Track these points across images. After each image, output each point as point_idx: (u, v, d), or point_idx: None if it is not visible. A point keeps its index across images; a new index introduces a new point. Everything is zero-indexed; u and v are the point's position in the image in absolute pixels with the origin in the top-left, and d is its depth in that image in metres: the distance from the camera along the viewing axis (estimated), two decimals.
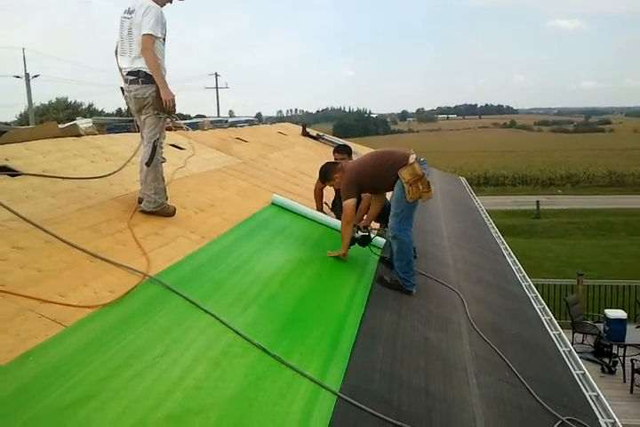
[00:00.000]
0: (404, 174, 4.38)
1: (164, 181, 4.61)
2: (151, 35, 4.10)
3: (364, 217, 5.18)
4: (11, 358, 2.30)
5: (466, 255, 6.89)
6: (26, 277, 2.95)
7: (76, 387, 2.25)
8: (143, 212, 4.42)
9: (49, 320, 2.65)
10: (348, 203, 4.62)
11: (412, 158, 4.44)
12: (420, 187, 4.37)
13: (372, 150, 5.15)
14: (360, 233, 4.88)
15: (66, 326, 2.66)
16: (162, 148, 4.65)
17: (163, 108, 4.29)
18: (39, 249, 3.31)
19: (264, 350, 2.94)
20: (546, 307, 5.79)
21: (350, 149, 6.18)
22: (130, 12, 4.20)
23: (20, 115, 41.72)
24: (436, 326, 4.02)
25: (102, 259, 3.45)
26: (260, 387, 2.64)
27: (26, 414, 2.02)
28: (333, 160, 6.02)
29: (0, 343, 2.37)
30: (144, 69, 4.18)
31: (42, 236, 3.47)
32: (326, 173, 5.06)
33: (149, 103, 4.28)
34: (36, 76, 34.99)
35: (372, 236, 4.97)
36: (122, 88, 4.40)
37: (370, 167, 4.68)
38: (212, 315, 3.19)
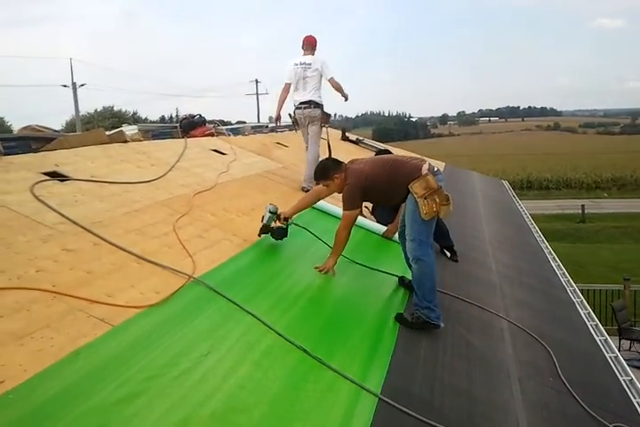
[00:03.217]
0: (417, 188, 3.75)
1: None
2: (334, 77, 6.71)
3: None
4: (62, 355, 2.39)
5: (509, 259, 6.79)
6: (75, 278, 3.05)
7: (123, 385, 2.32)
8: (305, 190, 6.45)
9: (97, 320, 2.73)
10: (352, 214, 4.00)
11: (425, 169, 3.83)
12: (437, 199, 3.74)
13: (382, 156, 4.52)
14: (278, 224, 4.37)
15: (113, 325, 2.74)
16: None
17: (325, 121, 6.92)
18: (88, 251, 3.42)
19: (305, 351, 2.97)
20: (591, 312, 5.66)
21: (392, 153, 6.19)
22: (304, 64, 6.71)
23: (67, 123, 42.93)
24: (478, 329, 3.98)
25: (148, 261, 3.54)
26: (302, 388, 2.67)
27: (75, 411, 2.09)
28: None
29: (51, 342, 2.46)
30: (314, 100, 6.71)
31: (90, 238, 3.59)
32: (325, 171, 4.18)
33: (317, 119, 6.77)
34: (82, 86, 35.94)
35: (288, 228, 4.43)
36: (291, 113, 6.95)
37: (383, 175, 3.96)
38: (255, 316, 3.23)
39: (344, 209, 4.03)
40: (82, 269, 3.18)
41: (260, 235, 4.38)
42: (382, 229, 5.70)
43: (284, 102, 6.94)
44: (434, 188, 3.74)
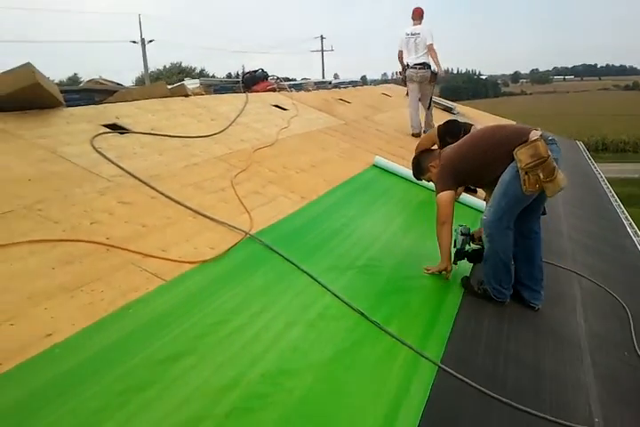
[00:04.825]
0: (521, 155, 3.18)
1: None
2: (433, 44, 8.04)
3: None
4: (111, 309, 2.34)
5: (582, 224, 6.40)
6: (130, 231, 3.00)
7: (172, 342, 2.26)
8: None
9: (150, 274, 2.67)
10: (443, 196, 3.45)
11: (536, 135, 3.23)
12: (541, 175, 3.14)
13: (476, 131, 3.87)
14: (472, 245, 3.73)
15: (166, 280, 2.68)
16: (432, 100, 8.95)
17: (434, 80, 8.38)
18: (144, 204, 3.36)
19: (362, 314, 2.84)
20: None
21: (459, 126, 5.48)
22: (414, 34, 8.09)
23: (137, 79, 43.63)
24: (548, 298, 3.71)
25: (204, 216, 3.46)
26: (357, 352, 2.54)
27: (121, 368, 2.04)
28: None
29: (102, 295, 2.41)
30: (427, 62, 8.11)
31: (147, 192, 3.53)
32: (418, 165, 3.84)
33: (427, 78, 8.22)
34: (151, 41, 36.24)
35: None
36: (402, 71, 8.44)
37: (472, 151, 3.49)
38: (311, 276, 3.12)
39: (436, 193, 3.51)
40: (137, 222, 3.12)
41: (455, 262, 3.71)
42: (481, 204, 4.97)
43: (402, 62, 8.36)
44: (543, 156, 3.14)
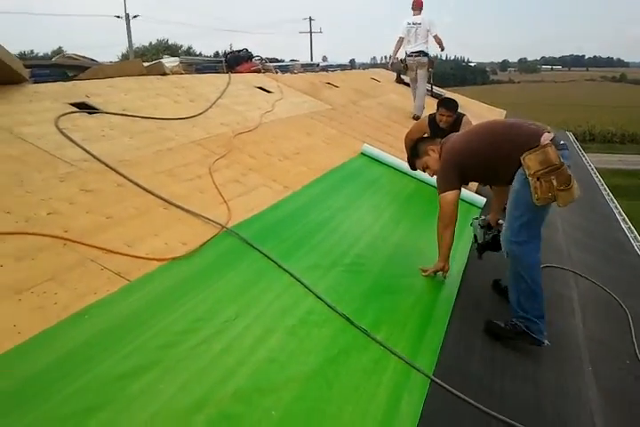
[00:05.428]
0: (529, 162, 2.83)
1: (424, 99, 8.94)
2: (437, 34, 8.69)
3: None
4: (64, 315, 2.04)
5: (576, 219, 6.19)
6: (92, 223, 2.69)
7: (132, 354, 1.97)
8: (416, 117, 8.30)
9: (111, 273, 2.38)
10: (447, 196, 3.15)
11: (546, 138, 2.88)
12: (555, 182, 2.80)
13: (485, 121, 3.46)
14: (489, 233, 3.41)
15: (129, 280, 2.38)
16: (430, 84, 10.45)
17: (431, 66, 8.91)
18: (110, 193, 3.04)
19: (348, 319, 2.58)
20: None
21: (457, 104, 5.54)
22: (415, 24, 8.70)
23: (123, 55, 42.57)
24: (546, 300, 3.49)
25: (177, 206, 3.16)
26: (342, 364, 2.28)
27: (71, 386, 1.74)
28: (436, 113, 5.48)
29: (54, 298, 2.11)
30: (423, 50, 8.66)
31: (114, 178, 3.21)
32: (415, 147, 3.58)
33: (425, 64, 8.72)
34: (135, 17, 35.23)
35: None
36: (402, 60, 8.98)
37: (481, 147, 3.12)
38: (293, 275, 2.84)
39: (439, 192, 3.20)
40: (100, 213, 2.81)
41: (480, 257, 3.54)
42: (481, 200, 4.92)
43: (397, 52, 9.12)
44: (554, 164, 2.80)
